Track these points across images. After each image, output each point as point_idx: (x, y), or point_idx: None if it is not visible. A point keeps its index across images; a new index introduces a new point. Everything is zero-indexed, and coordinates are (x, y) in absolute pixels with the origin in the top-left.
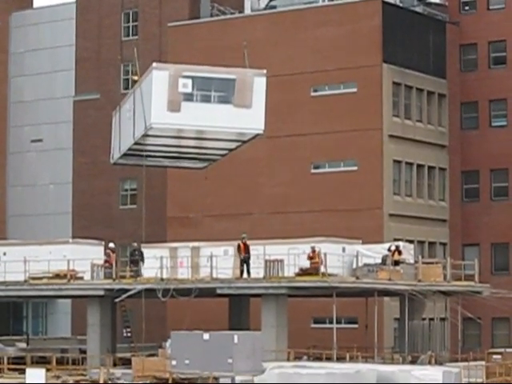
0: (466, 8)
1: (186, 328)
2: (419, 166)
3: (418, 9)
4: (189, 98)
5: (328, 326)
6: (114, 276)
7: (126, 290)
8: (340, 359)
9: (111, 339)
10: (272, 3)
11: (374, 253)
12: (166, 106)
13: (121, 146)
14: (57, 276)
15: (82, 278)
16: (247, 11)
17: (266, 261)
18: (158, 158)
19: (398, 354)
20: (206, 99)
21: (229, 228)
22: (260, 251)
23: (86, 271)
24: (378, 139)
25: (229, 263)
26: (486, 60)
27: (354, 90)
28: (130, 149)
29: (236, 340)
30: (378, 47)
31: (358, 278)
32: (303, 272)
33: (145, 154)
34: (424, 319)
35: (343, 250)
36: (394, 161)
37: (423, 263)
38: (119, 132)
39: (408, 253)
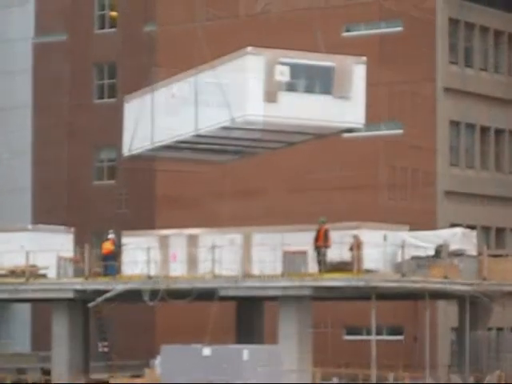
0: None
1: (180, 341)
2: (484, 129)
3: None
4: (286, 87)
5: (365, 337)
6: (86, 273)
7: (103, 292)
8: (381, 381)
9: (83, 355)
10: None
11: (424, 242)
12: (263, 97)
13: (154, 137)
14: (12, 273)
15: (44, 276)
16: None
17: (284, 253)
18: (196, 152)
19: (457, 374)
20: (305, 89)
21: (236, 210)
22: (277, 240)
23: (51, 267)
24: (430, 94)
25: (236, 256)
26: None
27: (399, 28)
28: (178, 141)
29: (246, 356)
30: None
31: (403, 275)
32: (333, 267)
33: (192, 146)
34: (490, 329)
35: (385, 238)
36: (451, 122)
37: (489, 256)
38: (150, 120)
39: (469, 242)
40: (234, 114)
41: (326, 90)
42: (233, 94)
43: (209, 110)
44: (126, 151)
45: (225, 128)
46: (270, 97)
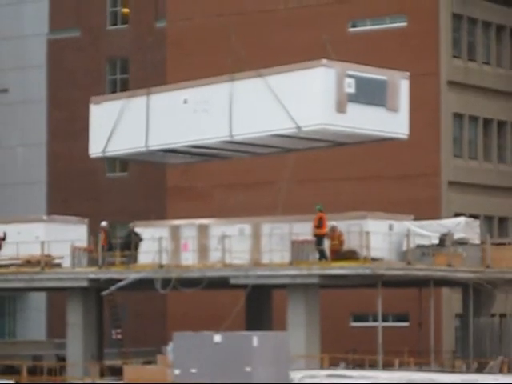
0: None
1: (191, 328)
2: (486, 121)
3: None
4: (352, 98)
5: (371, 324)
6: (100, 263)
7: (116, 281)
8: (387, 366)
9: (97, 343)
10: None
11: (429, 231)
12: (335, 107)
13: (149, 140)
14: (28, 263)
15: (59, 266)
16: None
17: (292, 242)
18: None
19: (461, 360)
20: (366, 101)
21: (245, 201)
22: (285, 229)
23: (65, 256)
24: (434, 87)
25: (245, 245)
26: None
27: (403, 24)
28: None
29: (255, 342)
30: None
31: (409, 263)
32: (340, 256)
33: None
34: (494, 315)
35: (390, 227)
36: (455, 114)
37: (492, 244)
38: (145, 124)
39: (473, 231)
40: (301, 122)
41: (382, 102)
42: (298, 103)
43: (252, 117)
44: (96, 151)
45: (276, 136)
46: (341, 107)
